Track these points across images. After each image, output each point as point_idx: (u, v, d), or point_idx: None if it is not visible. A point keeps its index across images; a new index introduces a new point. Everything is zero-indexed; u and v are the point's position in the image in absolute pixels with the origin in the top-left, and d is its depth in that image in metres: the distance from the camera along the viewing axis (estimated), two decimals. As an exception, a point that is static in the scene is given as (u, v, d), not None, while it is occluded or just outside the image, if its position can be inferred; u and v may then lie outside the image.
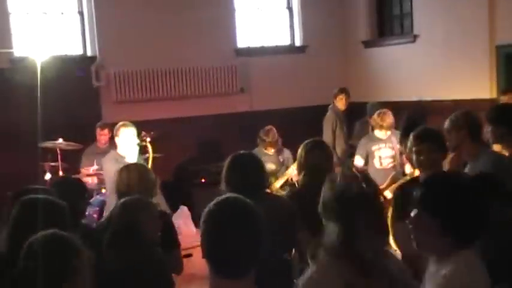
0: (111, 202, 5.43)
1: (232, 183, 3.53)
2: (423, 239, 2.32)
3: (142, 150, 7.52)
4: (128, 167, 4.14)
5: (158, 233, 3.23)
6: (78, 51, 8.86)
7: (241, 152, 3.76)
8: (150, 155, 6.46)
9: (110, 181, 5.40)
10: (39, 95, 7.89)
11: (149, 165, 6.09)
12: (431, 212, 2.29)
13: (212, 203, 2.12)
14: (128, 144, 5.73)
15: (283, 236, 3.46)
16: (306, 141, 4.23)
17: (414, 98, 8.81)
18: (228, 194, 2.17)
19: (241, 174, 3.55)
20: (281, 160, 6.66)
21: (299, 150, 4.19)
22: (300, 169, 4.12)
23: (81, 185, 4.08)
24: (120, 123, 5.95)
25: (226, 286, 2.07)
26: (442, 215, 2.27)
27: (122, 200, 3.38)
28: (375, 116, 6.48)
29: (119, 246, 3.04)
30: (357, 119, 8.39)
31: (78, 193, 3.83)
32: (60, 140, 7.16)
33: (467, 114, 4.03)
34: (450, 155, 5.08)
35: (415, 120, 6.79)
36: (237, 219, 2.03)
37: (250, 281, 2.08)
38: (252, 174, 3.58)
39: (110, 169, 5.39)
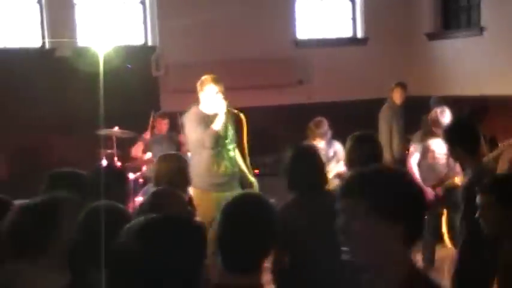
0: (192, 163, 5.22)
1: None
2: None
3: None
4: (166, 157, 4.19)
5: None
6: (139, 41, 9.01)
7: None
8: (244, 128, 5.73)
9: (190, 139, 5.36)
10: (100, 84, 8.10)
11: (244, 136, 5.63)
12: None
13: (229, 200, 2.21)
14: (214, 101, 5.28)
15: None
16: (354, 134, 4.12)
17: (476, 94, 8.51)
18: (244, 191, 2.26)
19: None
20: (331, 153, 6.56)
21: (347, 143, 4.06)
22: (349, 162, 3.97)
23: (120, 172, 4.10)
24: (205, 76, 5.53)
25: (235, 280, 2.08)
26: None
27: (154, 190, 3.41)
28: (433, 112, 6.32)
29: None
30: (418, 113, 8.16)
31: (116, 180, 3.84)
32: (116, 128, 7.32)
33: None
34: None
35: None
36: (247, 215, 2.12)
37: (257, 276, 2.13)
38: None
39: (192, 130, 5.29)
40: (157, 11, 8.86)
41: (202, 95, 5.38)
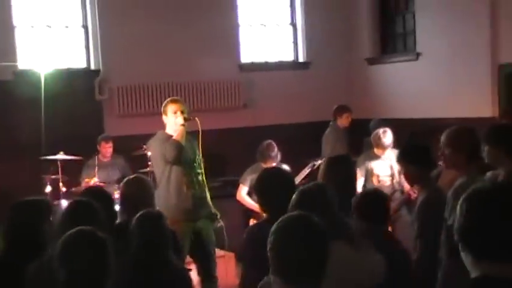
0: (160, 192, 5.15)
1: None
2: None
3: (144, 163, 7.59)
4: (130, 181, 4.20)
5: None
6: (82, 65, 8.92)
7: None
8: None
9: (157, 162, 5.29)
10: (42, 108, 7.98)
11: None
12: None
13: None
14: (174, 120, 5.21)
15: None
16: (330, 157, 4.22)
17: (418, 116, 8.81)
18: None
19: None
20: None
21: (322, 166, 4.13)
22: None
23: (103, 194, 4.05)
24: (169, 99, 5.50)
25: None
26: None
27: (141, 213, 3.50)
28: (374, 134, 6.49)
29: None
30: (359, 135, 8.36)
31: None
32: (61, 153, 7.20)
33: (467, 133, 3.89)
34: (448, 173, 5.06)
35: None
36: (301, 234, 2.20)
37: None
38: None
39: (156, 150, 5.24)
40: (99, 34, 8.79)
41: (165, 119, 5.33)
